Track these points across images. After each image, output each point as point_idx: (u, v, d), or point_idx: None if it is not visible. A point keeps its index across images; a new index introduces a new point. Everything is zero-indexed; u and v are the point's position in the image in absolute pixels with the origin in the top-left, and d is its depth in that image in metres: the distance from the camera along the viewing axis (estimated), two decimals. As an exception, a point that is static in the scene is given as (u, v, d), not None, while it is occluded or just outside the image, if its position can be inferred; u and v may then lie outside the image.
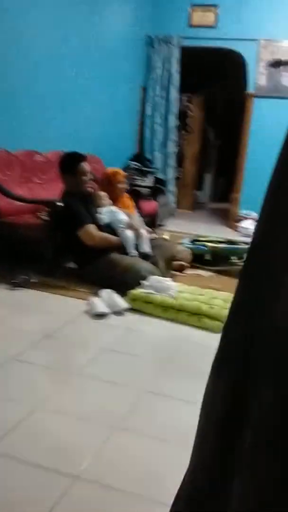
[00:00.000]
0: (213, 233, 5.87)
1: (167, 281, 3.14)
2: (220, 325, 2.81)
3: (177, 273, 3.84)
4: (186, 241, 4.47)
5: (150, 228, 5.22)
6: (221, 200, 8.41)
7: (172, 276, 3.69)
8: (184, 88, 6.64)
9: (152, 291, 3.05)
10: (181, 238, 4.92)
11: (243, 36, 5.86)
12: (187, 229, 6.01)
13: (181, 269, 3.91)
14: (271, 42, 5.82)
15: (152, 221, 5.57)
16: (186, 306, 2.92)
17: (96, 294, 3.13)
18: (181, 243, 4.38)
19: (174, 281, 3.61)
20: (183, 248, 4.16)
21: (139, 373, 2.29)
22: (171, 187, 6.58)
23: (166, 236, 5.22)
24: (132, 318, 2.93)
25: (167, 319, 2.94)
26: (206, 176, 8.36)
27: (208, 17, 6.07)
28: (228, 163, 8.32)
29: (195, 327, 2.85)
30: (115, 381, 2.20)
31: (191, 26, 6.12)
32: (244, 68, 6.01)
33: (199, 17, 6.11)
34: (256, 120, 6.06)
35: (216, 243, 4.35)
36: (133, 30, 5.88)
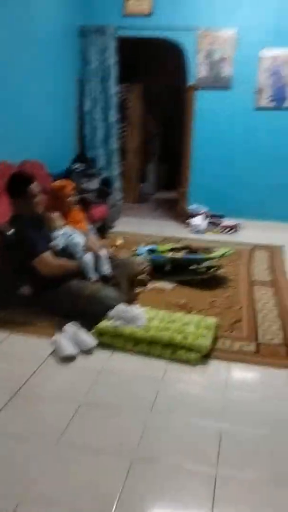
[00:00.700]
0: (165, 232, 5.75)
1: (134, 310, 2.97)
2: (197, 356, 2.69)
3: (141, 289, 3.68)
4: (143, 250, 4.30)
5: (102, 235, 5.02)
6: (166, 188, 8.29)
7: (136, 296, 3.53)
8: (124, 79, 6.37)
9: (120, 323, 2.87)
10: (135, 244, 4.75)
11: (180, 25, 5.64)
12: (138, 229, 5.84)
13: (143, 284, 3.75)
14: (209, 31, 5.65)
15: (103, 226, 5.36)
16: (159, 338, 2.77)
17: (59, 329, 2.91)
18: (137, 254, 4.21)
19: (139, 300, 3.47)
20: (141, 259, 3.99)
21: (127, 433, 2.12)
22: (117, 183, 6.34)
23: (120, 241, 5.04)
24: (104, 357, 2.74)
25: (140, 352, 2.78)
26: (149, 166, 8.17)
27: (142, 5, 5.79)
28: (169, 150, 8.20)
29: (171, 361, 2.71)
30: (100, 448, 2.02)
31: (125, 15, 5.82)
32: (184, 58, 5.81)
33: (133, 5, 5.82)
34: (199, 112, 5.91)
35: (175, 250, 4.21)
36: (66, 21, 5.51)
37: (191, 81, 5.86)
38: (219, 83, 5.79)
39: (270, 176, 5.92)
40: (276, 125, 5.77)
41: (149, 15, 5.76)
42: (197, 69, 5.78)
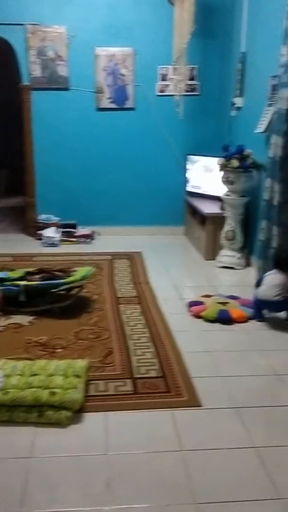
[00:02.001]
0: (14, 248, 5.21)
1: (-12, 366, 2.48)
2: (69, 415, 2.31)
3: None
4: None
5: None
6: (10, 193, 7.68)
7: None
8: None
9: (-29, 387, 2.36)
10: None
11: (6, 20, 5.09)
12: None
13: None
14: (38, 27, 5.18)
15: None
16: (21, 400, 2.32)
17: None
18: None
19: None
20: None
21: None
22: None
23: None
24: None
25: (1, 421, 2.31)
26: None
27: None
28: (11, 155, 7.57)
29: (40, 425, 2.29)
30: None
31: None
32: (15, 56, 5.27)
33: None
34: (37, 115, 5.44)
35: (29, 275, 3.74)
36: None
37: (24, 81, 5.35)
38: (55, 83, 5.37)
39: (119, 180, 5.70)
40: (119, 126, 5.56)
41: None
42: (30, 68, 5.29)
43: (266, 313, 3.46)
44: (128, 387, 2.61)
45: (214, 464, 2.06)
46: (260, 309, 3.43)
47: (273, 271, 3.41)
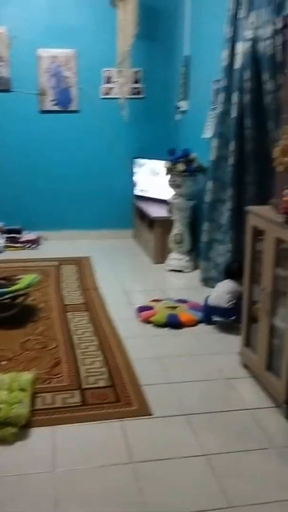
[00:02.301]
0: None
1: None
2: (15, 431, 2.22)
3: None
4: None
5: None
6: None
7: None
8: None
9: None
10: None
11: None
12: None
13: None
14: (-23, 26, 5.01)
15: None
16: None
17: None
18: None
19: None
20: None
21: None
22: None
23: None
24: None
25: None
26: None
27: None
28: None
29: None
30: None
31: None
32: None
33: None
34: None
35: None
36: None
37: None
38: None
39: (65, 184, 5.59)
40: (64, 129, 5.45)
41: None
42: None
43: (215, 316, 3.47)
44: (76, 398, 2.54)
45: (165, 475, 2.02)
46: (210, 314, 3.45)
47: (225, 280, 3.45)
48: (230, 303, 3.30)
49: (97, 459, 2.10)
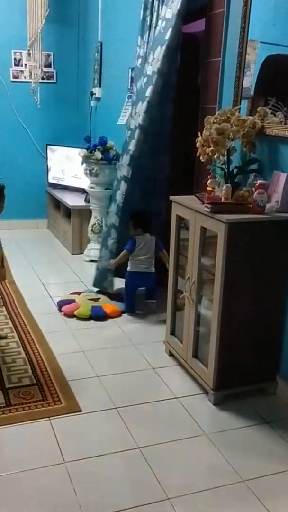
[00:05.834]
0: None
1: None
2: None
3: None
4: None
5: None
6: None
7: None
8: None
9: None
10: None
11: None
12: None
13: None
14: None
15: None
16: None
17: None
18: None
19: None
20: None
21: None
22: None
23: None
24: None
25: None
26: None
27: None
28: None
29: None
30: None
31: None
32: None
33: None
34: None
35: None
36: None
37: None
38: None
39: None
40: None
41: None
42: None
43: (137, 305, 3.46)
44: (-1, 400, 2.40)
45: (100, 473, 1.97)
46: (135, 287, 3.43)
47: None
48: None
49: (27, 462, 2.00)
